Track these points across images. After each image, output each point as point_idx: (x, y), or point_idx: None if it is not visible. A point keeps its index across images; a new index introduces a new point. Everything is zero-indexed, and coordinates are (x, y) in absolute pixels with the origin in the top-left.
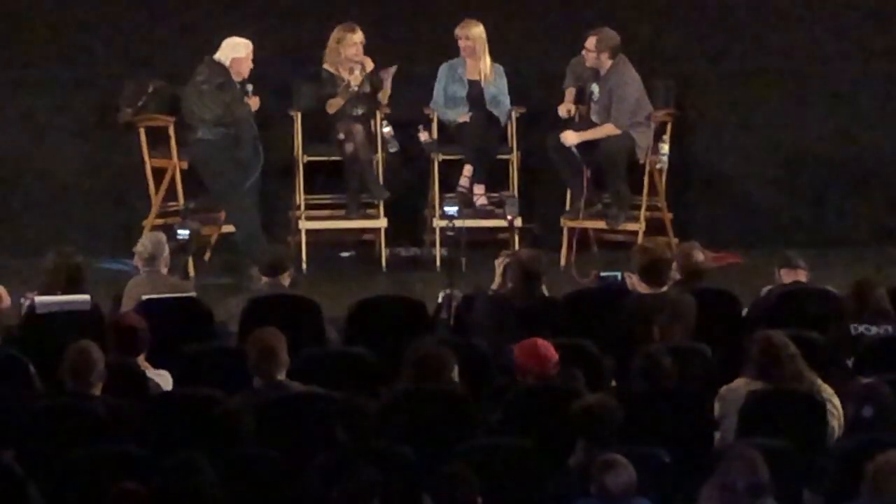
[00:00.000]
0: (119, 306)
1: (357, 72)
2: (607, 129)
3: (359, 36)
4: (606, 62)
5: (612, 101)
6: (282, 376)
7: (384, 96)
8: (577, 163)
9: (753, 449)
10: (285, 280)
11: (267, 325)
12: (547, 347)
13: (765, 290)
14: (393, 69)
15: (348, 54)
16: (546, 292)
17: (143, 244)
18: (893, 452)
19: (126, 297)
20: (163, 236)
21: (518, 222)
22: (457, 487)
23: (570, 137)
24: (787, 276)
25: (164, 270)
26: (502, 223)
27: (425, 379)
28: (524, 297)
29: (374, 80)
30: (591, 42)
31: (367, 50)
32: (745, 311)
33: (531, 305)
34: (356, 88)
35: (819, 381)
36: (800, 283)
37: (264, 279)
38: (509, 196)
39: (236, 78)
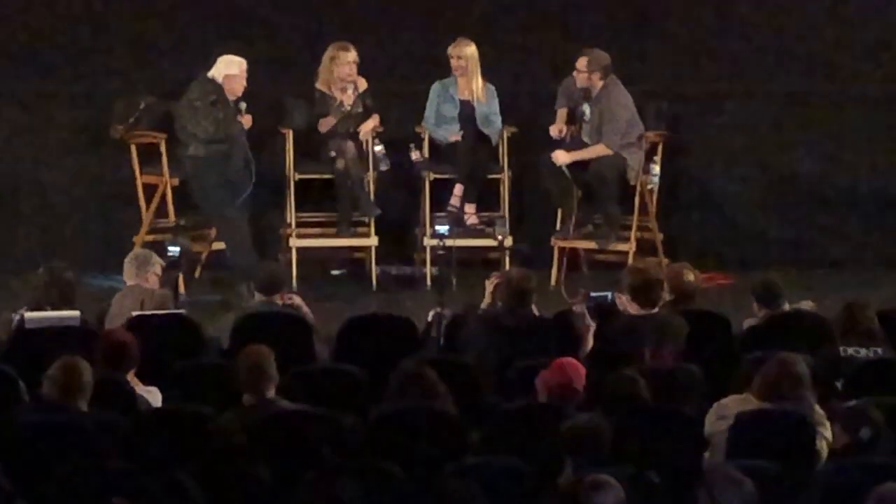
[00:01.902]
0: (102, 320)
1: (350, 91)
2: (598, 150)
3: (352, 55)
4: (598, 82)
5: (603, 122)
6: (271, 393)
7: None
8: (568, 183)
9: (737, 469)
10: (279, 299)
11: (257, 342)
12: (576, 367)
13: (746, 323)
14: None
15: (341, 73)
16: (536, 312)
17: (130, 258)
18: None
19: (111, 310)
20: (152, 253)
21: (508, 242)
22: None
23: (562, 157)
24: (762, 313)
25: (154, 285)
26: (493, 242)
27: (415, 397)
28: (514, 316)
29: (366, 100)
30: (581, 63)
31: (361, 69)
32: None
33: (521, 325)
34: (348, 108)
35: (816, 406)
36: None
37: (258, 296)
38: (499, 216)
39: (230, 96)
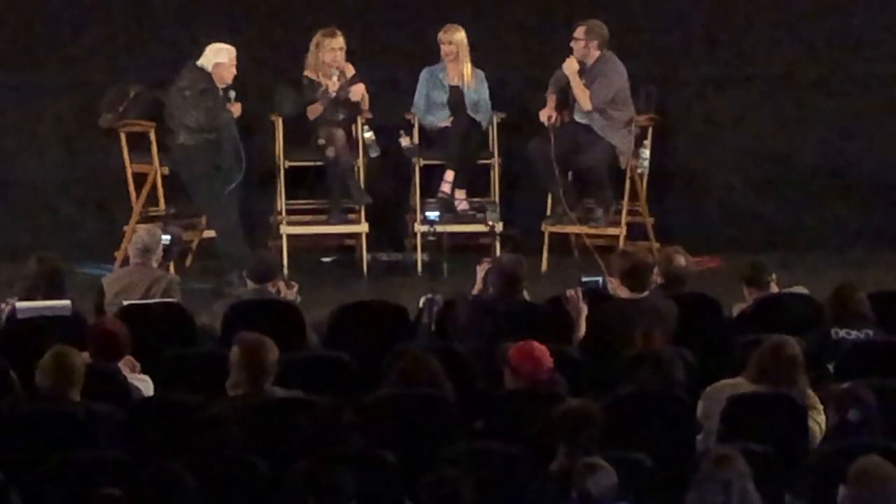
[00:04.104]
0: (99, 300)
1: (335, 77)
2: (583, 96)
3: (337, 41)
4: (595, 52)
5: (594, 84)
6: (268, 384)
7: (364, 103)
8: (558, 169)
9: (732, 453)
10: (272, 288)
11: (248, 330)
12: (542, 351)
13: (735, 308)
14: (360, 89)
15: (326, 59)
16: (527, 297)
17: (140, 236)
18: (875, 456)
19: (109, 289)
20: (159, 230)
21: (499, 227)
22: (452, 493)
23: (572, 64)
24: (752, 296)
25: (155, 266)
26: (483, 228)
27: (412, 383)
28: (505, 301)
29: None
30: (580, 31)
31: (350, 55)
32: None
33: (512, 310)
34: (334, 94)
35: (808, 389)
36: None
37: (250, 284)
38: (489, 202)
39: (219, 84)
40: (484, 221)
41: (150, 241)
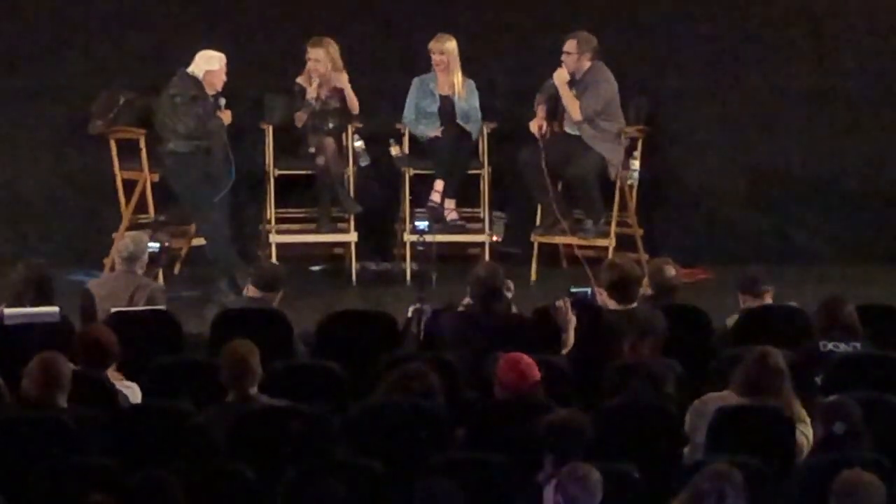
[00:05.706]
0: (91, 305)
1: (314, 84)
2: (573, 107)
3: (316, 52)
4: (585, 64)
5: (585, 94)
6: (254, 390)
7: (353, 107)
8: (548, 179)
9: (729, 468)
10: (274, 299)
11: (236, 338)
12: (529, 364)
13: (730, 319)
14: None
15: (308, 67)
16: (514, 308)
17: (125, 243)
18: (859, 470)
19: (96, 295)
20: (145, 237)
21: (495, 239)
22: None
23: (562, 74)
24: (746, 304)
25: (140, 273)
26: (473, 238)
27: (405, 393)
28: (485, 311)
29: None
30: (571, 45)
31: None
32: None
33: (496, 320)
34: (312, 102)
35: (796, 402)
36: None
37: (254, 290)
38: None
39: (209, 91)
40: (474, 231)
41: (135, 249)
